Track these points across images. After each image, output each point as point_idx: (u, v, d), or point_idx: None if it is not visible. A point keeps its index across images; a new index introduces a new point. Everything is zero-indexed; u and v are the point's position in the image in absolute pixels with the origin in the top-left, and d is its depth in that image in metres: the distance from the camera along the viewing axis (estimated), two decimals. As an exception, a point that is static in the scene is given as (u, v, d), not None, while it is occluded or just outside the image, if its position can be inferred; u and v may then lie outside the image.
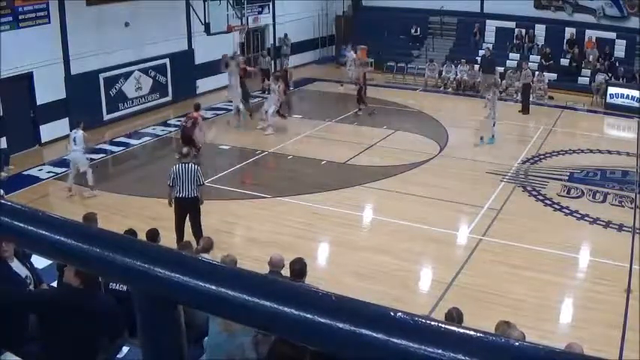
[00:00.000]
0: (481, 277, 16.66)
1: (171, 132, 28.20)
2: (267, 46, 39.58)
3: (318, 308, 1.84)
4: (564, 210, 21.36)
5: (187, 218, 17.18)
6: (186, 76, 33.14)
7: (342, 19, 45.63)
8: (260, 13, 37.70)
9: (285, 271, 12.28)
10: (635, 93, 34.86)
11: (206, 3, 30.63)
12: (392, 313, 1.89)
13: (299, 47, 41.38)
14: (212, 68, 32.40)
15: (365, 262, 17.09)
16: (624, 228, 20.14)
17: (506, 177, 23.98)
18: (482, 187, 22.72)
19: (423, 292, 16.53)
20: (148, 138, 27.34)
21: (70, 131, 22.41)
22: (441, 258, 17.82)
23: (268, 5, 38.40)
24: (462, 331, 1.94)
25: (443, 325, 1.86)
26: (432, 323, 1.89)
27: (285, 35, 39.52)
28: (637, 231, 19.97)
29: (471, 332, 1.92)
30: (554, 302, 15.99)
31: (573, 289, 16.95)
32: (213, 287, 1.81)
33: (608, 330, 14.56)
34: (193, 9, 31.95)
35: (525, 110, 32.53)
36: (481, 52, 39.42)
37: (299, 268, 12.08)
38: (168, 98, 32.54)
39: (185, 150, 18.30)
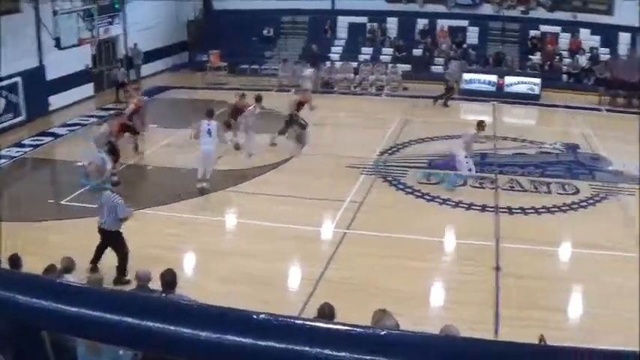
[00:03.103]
0: (350, 270, 16.76)
1: (26, 152, 27.12)
2: (118, 57, 38.78)
3: (181, 320, 1.86)
4: (426, 197, 21.85)
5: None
6: (39, 93, 32.06)
7: (193, 24, 45.21)
8: (111, 23, 36.91)
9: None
10: (489, 77, 35.75)
11: (56, 17, 29.71)
12: (255, 316, 1.96)
13: (151, 56, 40.72)
14: (65, 84, 31.45)
15: (233, 267, 16.88)
16: (487, 208, 20.74)
17: (366, 169, 24.25)
18: (343, 182, 22.85)
19: (293, 290, 16.43)
20: (3, 160, 26.25)
21: None
22: (307, 255, 17.78)
23: (119, 15, 37.60)
24: (325, 326, 1.88)
25: (308, 323, 1.83)
26: (296, 322, 1.91)
27: (135, 45, 38.82)
28: (499, 210, 20.47)
29: (337, 326, 1.87)
30: (425, 287, 16.35)
31: (443, 272, 17.37)
32: (74, 309, 1.78)
33: (482, 308, 15.03)
34: (43, 24, 31.00)
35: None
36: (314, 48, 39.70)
37: (169, 279, 11.94)
38: (22, 118, 31.39)
39: (115, 179, 17.76)
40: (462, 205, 21.13)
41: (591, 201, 22.12)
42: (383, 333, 1.73)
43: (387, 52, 40.50)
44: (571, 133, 29.52)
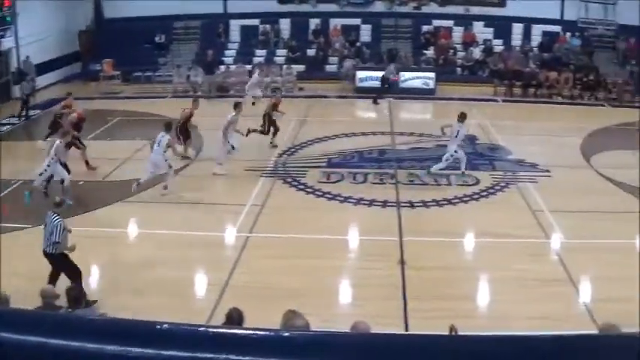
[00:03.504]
0: (256, 273, 16.70)
1: None
2: (11, 70, 37.86)
3: (85, 335, 1.81)
4: (327, 195, 21.95)
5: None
6: None
7: (85, 34, 44.45)
8: (2, 37, 36.05)
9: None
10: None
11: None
12: (158, 327, 1.96)
13: (45, 67, 39.86)
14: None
15: (140, 278, 16.54)
16: (388, 204, 20.86)
17: (266, 172, 24.14)
18: (242, 186, 22.79)
19: (201, 298, 16.23)
20: None
21: None
22: (212, 261, 17.63)
23: (10, 28, 36.72)
24: (230, 331, 1.82)
25: (211, 330, 1.80)
26: (199, 329, 1.94)
27: (27, 57, 37.97)
28: (401, 205, 20.62)
29: (242, 331, 1.84)
30: (333, 286, 16.42)
31: (349, 269, 17.48)
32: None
33: (390, 303, 15.15)
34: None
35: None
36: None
37: (74, 294, 11.70)
38: None
39: (58, 199, 16.43)
40: (363, 202, 21.28)
41: (492, 190, 22.60)
42: (289, 334, 1.66)
43: (280, 54, 40.57)
44: (468, 125, 29.90)
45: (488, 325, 14.04)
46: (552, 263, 17.84)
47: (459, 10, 41.90)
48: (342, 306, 15.76)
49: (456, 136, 23.41)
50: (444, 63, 39.54)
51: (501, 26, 41.44)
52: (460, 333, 9.13)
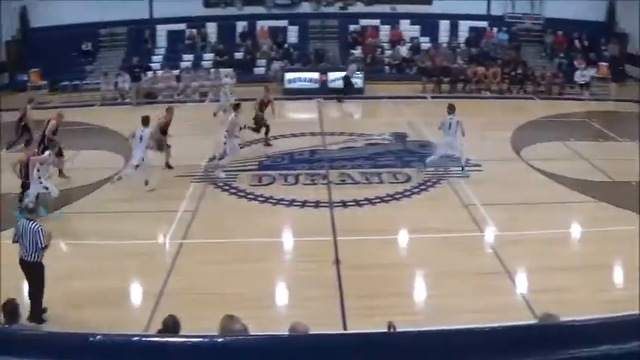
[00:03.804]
0: (192, 279, 16.52)
1: None
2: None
3: (18, 350, 1.87)
4: (259, 198, 21.89)
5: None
6: None
7: (11, 44, 43.65)
8: None
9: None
10: (312, 75, 36.16)
11: None
12: (91, 338, 2.00)
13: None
14: None
15: (72, 290, 16.24)
16: (321, 204, 20.91)
17: (196, 177, 23.90)
18: (173, 192, 22.51)
19: (136, 307, 16.02)
20: None
21: None
22: (146, 270, 17.38)
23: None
24: (162, 339, 1.78)
25: (145, 339, 1.77)
26: (132, 339, 1.84)
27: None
28: (333, 205, 20.82)
29: (174, 339, 1.79)
30: (269, 288, 16.38)
31: (284, 271, 17.48)
32: None
33: (328, 303, 15.19)
34: None
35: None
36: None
37: (10, 309, 11.43)
38: None
39: (31, 205, 16.04)
40: (295, 203, 21.29)
41: (424, 187, 22.78)
42: (226, 340, 1.62)
43: (208, 58, 40.35)
44: (398, 123, 30.17)
45: (427, 320, 14.16)
46: (487, 256, 18.05)
47: (385, 8, 42.21)
48: (279, 308, 15.71)
49: (449, 129, 23.68)
50: (372, 62, 39.71)
51: (428, 23, 41.88)
52: (398, 329, 9.14)
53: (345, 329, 14.08)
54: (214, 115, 31.06)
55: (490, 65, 38.83)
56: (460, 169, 24.04)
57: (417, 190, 22.54)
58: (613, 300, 15.75)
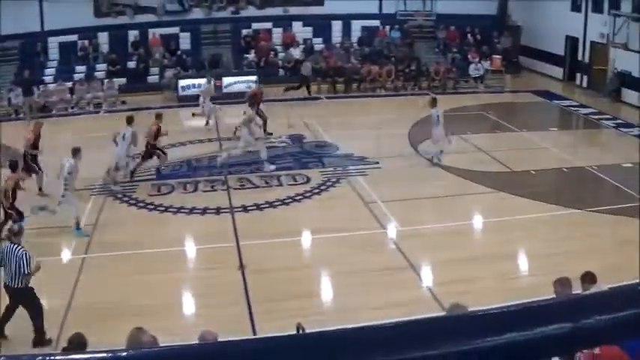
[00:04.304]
0: (96, 294, 16.22)
1: None
2: None
3: None
4: (159, 208, 21.64)
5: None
6: None
7: None
8: None
9: None
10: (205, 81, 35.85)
11: None
12: None
13: None
14: None
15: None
16: (222, 210, 20.80)
17: (95, 190, 23.30)
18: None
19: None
20: None
21: None
22: (50, 287, 16.80)
23: None
24: (68, 358, 1.71)
25: (48, 358, 1.67)
26: (36, 359, 1.72)
27: None
28: (234, 210, 20.79)
29: (80, 356, 1.72)
30: (176, 298, 16.28)
31: (190, 280, 17.44)
32: None
33: (235, 309, 15.22)
34: None
35: None
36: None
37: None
38: None
39: (15, 227, 15.36)
40: (196, 210, 21.09)
41: (324, 187, 22.85)
42: (133, 353, 1.56)
43: (101, 68, 39.62)
44: (295, 125, 30.01)
45: (335, 319, 14.21)
46: (391, 252, 18.30)
47: (277, 11, 42.08)
48: (187, 317, 15.64)
49: (438, 120, 24.72)
50: (266, 65, 39.60)
51: (320, 24, 41.91)
52: (308, 330, 9.14)
53: (254, 334, 14.14)
54: (206, 123, 30.98)
55: (384, 63, 39.17)
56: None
57: (317, 190, 22.66)
58: (518, 287, 16.12)
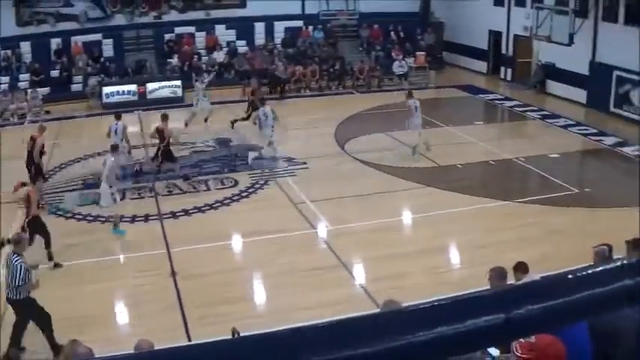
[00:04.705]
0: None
1: None
2: None
3: None
4: (88, 218, 21.23)
5: None
6: None
7: None
8: None
9: None
10: (129, 87, 35.59)
11: None
12: None
13: None
14: None
15: None
16: (150, 217, 20.65)
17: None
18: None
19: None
20: None
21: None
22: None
23: None
24: None
25: None
26: None
27: None
28: (163, 217, 20.79)
29: None
30: (109, 308, 16.05)
31: (123, 289, 17.06)
32: None
33: (169, 316, 15.09)
34: None
35: None
36: None
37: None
38: None
39: (15, 237, 14.64)
40: (125, 219, 20.70)
41: (252, 189, 22.81)
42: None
43: (24, 78, 38.95)
44: (221, 128, 29.86)
45: (270, 321, 14.20)
46: (322, 252, 18.35)
47: (199, 15, 41.84)
48: (122, 327, 15.43)
49: (416, 110, 25.90)
50: (190, 69, 39.32)
51: (243, 27, 41.78)
52: (243, 334, 9.10)
53: (189, 340, 14.04)
54: (205, 121, 31.23)
55: (308, 64, 39.19)
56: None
57: (245, 193, 22.58)
58: (450, 281, 16.28)
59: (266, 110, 26.25)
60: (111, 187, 20.23)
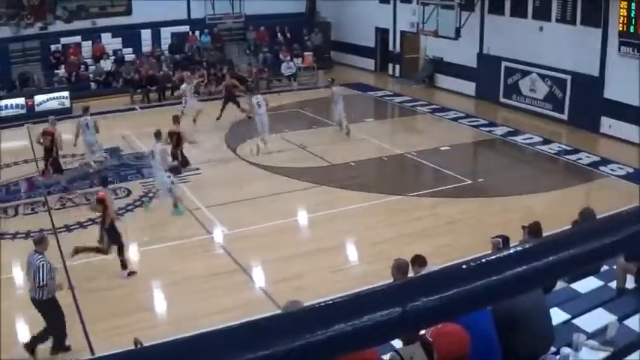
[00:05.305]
0: None
1: None
2: None
3: None
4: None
5: None
6: None
7: None
8: None
9: None
10: (16, 101, 34.78)
11: None
12: None
13: None
14: None
15: None
16: (45, 232, 19.96)
17: None
18: None
19: None
20: None
21: None
22: None
23: None
24: None
25: None
26: None
27: None
28: (58, 231, 20.33)
29: None
30: (8, 326, 15.20)
31: (20, 307, 16.09)
32: None
33: (71, 330, 14.44)
34: None
35: None
36: None
37: None
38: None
39: (38, 236, 14.31)
40: (19, 235, 20.09)
41: (146, 198, 22.42)
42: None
43: None
44: (110, 138, 29.31)
45: (172, 330, 14.12)
46: (220, 257, 18.30)
47: (85, 24, 41.15)
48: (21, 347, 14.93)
49: (338, 99, 28.23)
50: (77, 80, 38.70)
51: (129, 34, 41.28)
52: (145, 344, 8.99)
53: (92, 354, 13.78)
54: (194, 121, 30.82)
55: (196, 68, 38.94)
56: None
57: (139, 203, 22.26)
58: (350, 278, 16.41)
59: (259, 99, 27.33)
60: (172, 182, 21.15)
